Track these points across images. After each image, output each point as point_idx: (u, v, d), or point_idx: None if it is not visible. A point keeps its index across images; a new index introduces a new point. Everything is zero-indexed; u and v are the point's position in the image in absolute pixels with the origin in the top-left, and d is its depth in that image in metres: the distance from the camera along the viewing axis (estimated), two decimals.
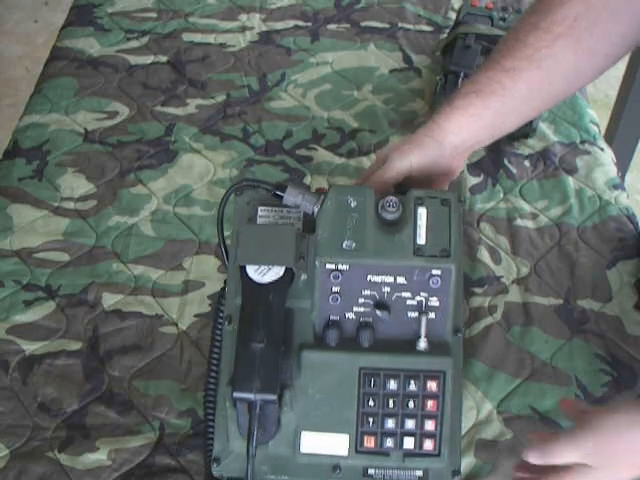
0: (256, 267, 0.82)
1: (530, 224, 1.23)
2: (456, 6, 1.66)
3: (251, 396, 0.77)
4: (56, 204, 1.26)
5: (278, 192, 0.87)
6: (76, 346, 1.07)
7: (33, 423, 0.99)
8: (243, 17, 1.66)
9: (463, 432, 0.98)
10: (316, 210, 0.85)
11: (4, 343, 1.07)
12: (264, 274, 0.82)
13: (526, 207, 1.26)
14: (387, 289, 0.83)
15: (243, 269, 0.82)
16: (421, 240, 0.82)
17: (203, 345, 1.06)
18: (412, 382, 0.81)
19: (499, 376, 1.04)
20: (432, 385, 0.81)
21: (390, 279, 0.83)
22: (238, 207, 0.90)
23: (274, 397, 0.78)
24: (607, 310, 1.12)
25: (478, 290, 1.14)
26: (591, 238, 1.21)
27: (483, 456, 0.96)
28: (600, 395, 1.02)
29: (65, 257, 1.18)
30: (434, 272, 0.82)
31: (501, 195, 1.28)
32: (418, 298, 0.83)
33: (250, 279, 0.82)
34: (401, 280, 0.83)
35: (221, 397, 0.84)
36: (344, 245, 0.82)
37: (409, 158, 0.93)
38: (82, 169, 1.32)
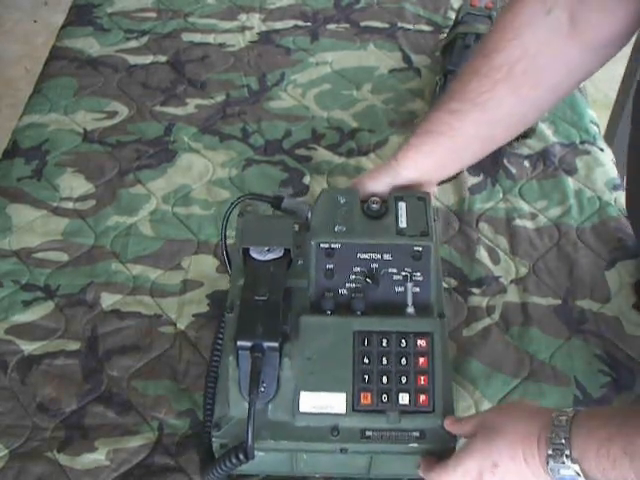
0: (258, 249, 0.92)
1: (529, 224, 1.23)
2: (456, 6, 1.67)
3: (254, 342, 0.83)
4: (55, 204, 1.25)
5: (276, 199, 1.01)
6: (75, 346, 1.07)
7: (32, 423, 0.98)
8: (243, 17, 1.66)
9: None
10: (310, 214, 0.97)
11: (3, 343, 1.07)
12: (265, 255, 0.92)
13: (525, 207, 1.26)
14: (375, 265, 0.93)
15: (246, 252, 0.93)
16: (402, 224, 0.95)
17: (202, 345, 1.06)
18: (403, 340, 0.87)
19: (498, 376, 1.04)
20: (422, 343, 0.87)
21: (377, 256, 0.93)
22: (240, 226, 1.00)
23: (276, 344, 0.83)
24: (606, 311, 1.12)
25: (476, 290, 1.14)
26: (590, 239, 1.21)
27: None
28: (599, 396, 1.02)
29: (64, 257, 1.17)
30: (416, 248, 0.93)
31: (500, 195, 1.28)
32: (403, 273, 0.93)
33: (253, 258, 0.92)
34: (387, 257, 0.93)
35: (224, 355, 0.90)
36: (336, 229, 0.94)
37: (363, 184, 1.02)
38: (81, 169, 1.32)
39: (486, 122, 1.01)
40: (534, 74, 0.97)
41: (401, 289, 0.93)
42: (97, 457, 0.95)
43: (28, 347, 1.06)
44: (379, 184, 1.02)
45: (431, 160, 1.03)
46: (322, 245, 0.93)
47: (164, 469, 0.95)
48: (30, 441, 0.97)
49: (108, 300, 1.12)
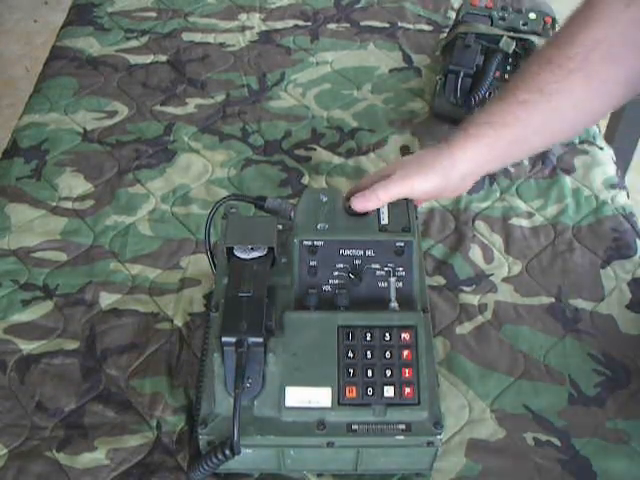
0: (242, 248, 0.93)
1: (525, 223, 1.23)
2: (456, 5, 1.67)
3: (238, 337, 0.83)
4: (54, 204, 1.26)
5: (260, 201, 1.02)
6: (73, 345, 1.07)
7: (31, 422, 0.99)
8: (243, 16, 1.67)
9: (455, 430, 0.98)
10: (293, 214, 0.98)
11: (2, 343, 1.07)
12: (249, 253, 0.93)
13: (522, 206, 1.26)
14: (358, 262, 0.94)
15: (230, 251, 0.93)
16: (384, 221, 0.95)
17: (197, 343, 1.06)
18: (387, 334, 0.88)
19: (492, 375, 1.04)
20: (406, 336, 0.88)
21: (360, 252, 0.94)
22: (223, 227, 1.00)
23: (260, 339, 0.84)
24: (600, 309, 1.12)
25: (467, 288, 1.14)
26: (586, 237, 1.21)
27: (474, 456, 0.96)
28: (594, 394, 1.02)
29: (63, 257, 1.18)
30: (398, 244, 0.93)
31: (498, 194, 1.28)
32: (386, 268, 0.94)
33: (237, 257, 0.92)
34: (370, 253, 0.94)
35: (209, 352, 0.90)
36: (318, 227, 0.95)
37: (411, 183, 0.98)
38: (80, 169, 1.32)
39: (553, 114, 0.97)
40: (609, 63, 0.93)
41: (384, 284, 0.93)
42: (97, 456, 0.96)
43: (27, 346, 1.07)
44: (432, 180, 0.98)
45: (490, 154, 1.00)
46: (305, 242, 0.94)
47: (164, 468, 0.95)
48: (29, 440, 0.97)
49: (107, 300, 1.12)
